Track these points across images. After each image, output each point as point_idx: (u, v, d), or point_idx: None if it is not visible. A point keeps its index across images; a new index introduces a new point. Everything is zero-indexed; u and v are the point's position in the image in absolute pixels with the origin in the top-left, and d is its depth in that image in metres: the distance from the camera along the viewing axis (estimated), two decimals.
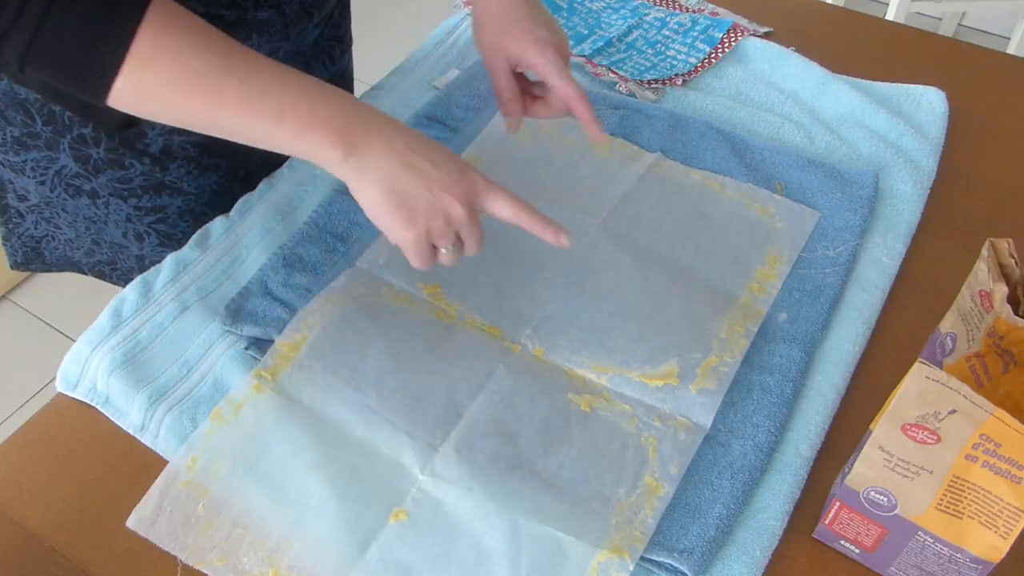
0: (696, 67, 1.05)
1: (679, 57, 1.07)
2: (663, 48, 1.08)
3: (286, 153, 0.64)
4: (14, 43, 0.55)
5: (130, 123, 0.79)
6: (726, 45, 1.08)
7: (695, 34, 1.08)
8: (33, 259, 0.95)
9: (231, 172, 0.89)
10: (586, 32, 1.09)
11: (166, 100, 0.59)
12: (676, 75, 1.04)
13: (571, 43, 1.07)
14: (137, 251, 0.90)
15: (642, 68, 1.05)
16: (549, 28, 0.74)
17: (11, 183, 0.87)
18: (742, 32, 1.09)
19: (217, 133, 0.62)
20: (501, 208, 0.66)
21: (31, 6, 0.54)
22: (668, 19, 1.11)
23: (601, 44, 1.07)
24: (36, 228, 0.91)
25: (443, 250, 0.66)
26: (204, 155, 0.85)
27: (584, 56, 1.06)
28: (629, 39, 1.09)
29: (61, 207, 0.87)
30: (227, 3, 0.75)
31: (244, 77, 0.59)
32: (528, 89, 0.78)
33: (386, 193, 0.63)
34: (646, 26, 1.11)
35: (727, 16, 1.15)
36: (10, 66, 0.56)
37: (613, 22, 1.11)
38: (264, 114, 0.60)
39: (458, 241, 0.66)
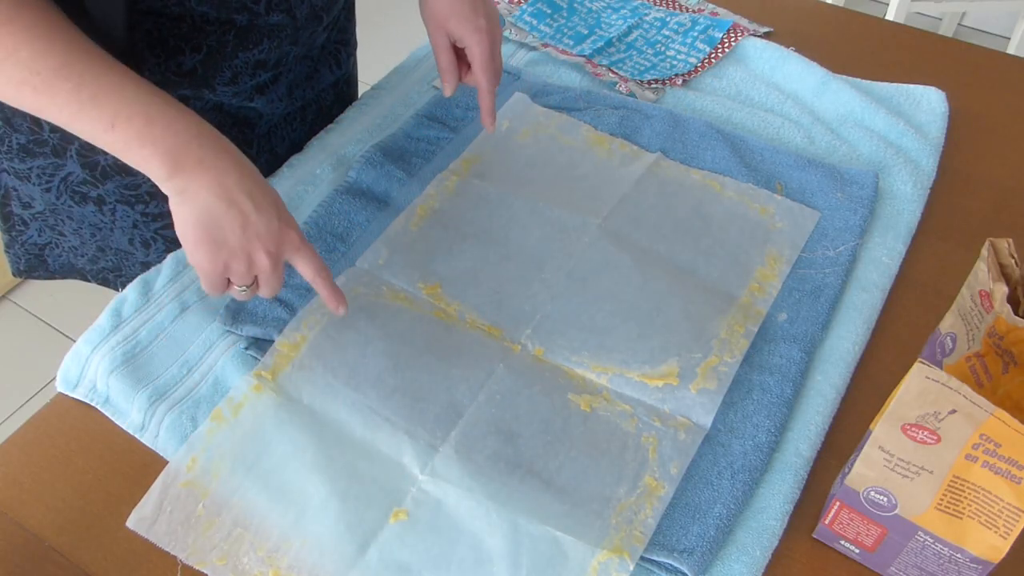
0: (696, 67, 1.05)
1: (679, 57, 1.06)
2: (663, 48, 1.08)
3: (120, 158, 0.64)
4: None
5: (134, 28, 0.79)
6: (726, 45, 1.08)
7: (695, 34, 1.08)
8: (36, 266, 0.95)
9: None
10: (586, 32, 1.09)
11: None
12: (676, 75, 1.04)
13: (571, 43, 1.07)
14: (143, 258, 0.90)
15: (642, 68, 1.05)
16: (488, 18, 0.82)
17: (15, 190, 0.87)
18: (742, 32, 1.09)
19: (55, 124, 0.63)
20: (305, 268, 0.68)
21: None
22: (668, 19, 1.11)
23: (601, 44, 1.07)
24: (40, 236, 0.91)
25: (237, 287, 0.68)
26: None
27: (584, 56, 1.06)
28: (629, 39, 1.09)
29: (67, 214, 0.87)
30: (238, 7, 0.75)
31: (80, 83, 0.60)
32: (464, 59, 0.84)
33: (199, 222, 0.64)
34: (646, 26, 1.11)
35: (727, 16, 1.15)
36: None
37: (613, 22, 1.11)
38: (96, 122, 0.61)
39: (254, 283, 0.68)
